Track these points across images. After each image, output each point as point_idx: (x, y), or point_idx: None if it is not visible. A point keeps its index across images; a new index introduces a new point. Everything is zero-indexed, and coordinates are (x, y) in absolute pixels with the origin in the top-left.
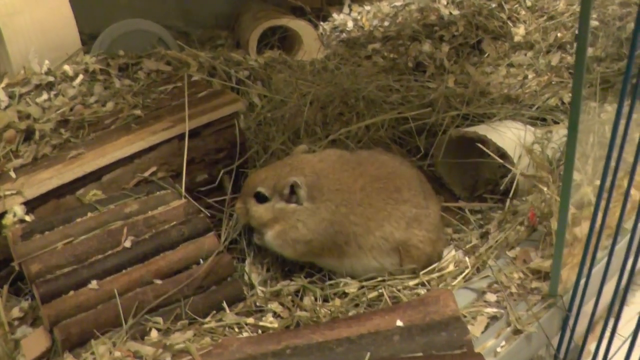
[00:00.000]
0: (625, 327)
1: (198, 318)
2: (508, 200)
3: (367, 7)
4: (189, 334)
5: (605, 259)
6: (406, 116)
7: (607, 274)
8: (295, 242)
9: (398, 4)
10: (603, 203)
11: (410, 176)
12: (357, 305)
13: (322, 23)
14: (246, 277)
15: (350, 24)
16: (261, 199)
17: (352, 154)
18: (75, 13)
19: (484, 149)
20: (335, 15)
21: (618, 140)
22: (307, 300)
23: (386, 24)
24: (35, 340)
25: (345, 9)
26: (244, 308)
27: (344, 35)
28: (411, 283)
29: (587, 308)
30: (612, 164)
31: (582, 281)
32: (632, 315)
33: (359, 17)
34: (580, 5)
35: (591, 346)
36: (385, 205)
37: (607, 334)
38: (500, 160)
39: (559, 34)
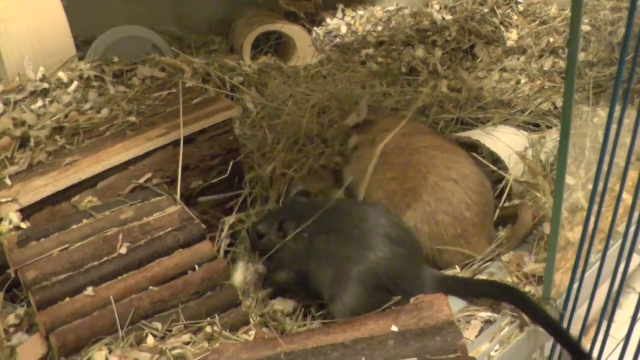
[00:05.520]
0: (619, 330)
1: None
2: (499, 207)
3: (361, 12)
4: (184, 339)
5: (598, 263)
6: None
7: (600, 277)
8: None
9: (391, 8)
10: (595, 207)
11: None
12: None
13: (315, 28)
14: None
15: (343, 29)
16: None
17: None
18: (69, 18)
19: (477, 156)
20: (328, 20)
21: (610, 146)
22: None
23: (379, 28)
24: (31, 347)
25: (339, 14)
26: (235, 317)
27: (337, 40)
28: None
29: (580, 311)
30: (604, 168)
31: (575, 285)
32: (625, 319)
33: (352, 22)
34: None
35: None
36: None
37: (601, 337)
38: (494, 167)
39: (551, 39)
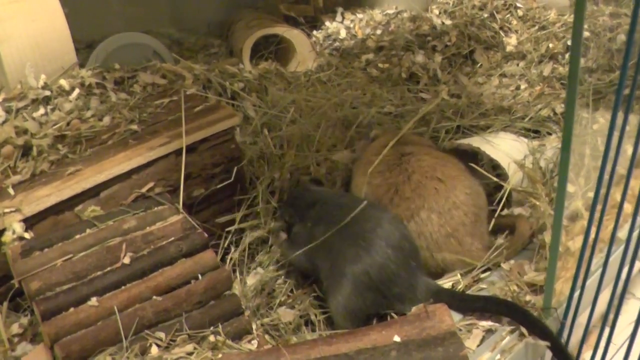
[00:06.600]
0: (619, 335)
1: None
2: (495, 215)
3: (360, 15)
4: (188, 349)
5: (599, 271)
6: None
7: (602, 286)
8: None
9: (390, 12)
10: (596, 216)
11: None
12: None
13: (314, 32)
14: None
15: (343, 33)
16: None
17: None
18: (68, 21)
19: (476, 167)
20: (328, 23)
21: (612, 153)
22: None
23: (379, 32)
24: (35, 358)
25: (338, 17)
26: (239, 327)
27: (337, 44)
28: None
29: (582, 319)
30: (606, 176)
31: (576, 294)
32: (625, 324)
33: (351, 26)
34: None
35: (586, 355)
36: None
37: (602, 343)
38: (494, 178)
39: (550, 45)
